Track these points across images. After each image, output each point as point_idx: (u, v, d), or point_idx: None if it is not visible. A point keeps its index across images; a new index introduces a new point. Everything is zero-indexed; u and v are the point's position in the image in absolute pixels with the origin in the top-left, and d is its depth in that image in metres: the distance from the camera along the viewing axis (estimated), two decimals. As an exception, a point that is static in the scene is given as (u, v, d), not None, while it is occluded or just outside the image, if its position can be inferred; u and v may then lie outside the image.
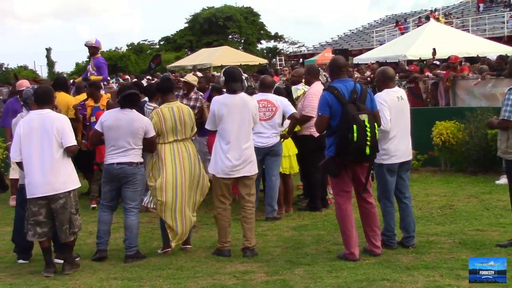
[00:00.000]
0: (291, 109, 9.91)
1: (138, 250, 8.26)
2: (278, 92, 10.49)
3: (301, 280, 7.02)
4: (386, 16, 64.64)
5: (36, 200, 7.59)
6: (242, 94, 8.37)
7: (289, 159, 10.52)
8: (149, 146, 8.37)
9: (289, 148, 10.50)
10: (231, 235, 8.47)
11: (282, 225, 9.78)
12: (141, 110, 9.27)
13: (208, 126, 8.39)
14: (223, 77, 8.40)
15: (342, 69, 7.94)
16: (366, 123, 7.44)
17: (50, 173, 7.51)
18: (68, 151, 7.64)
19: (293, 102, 10.65)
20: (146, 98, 11.00)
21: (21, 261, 8.38)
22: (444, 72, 18.50)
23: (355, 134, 7.38)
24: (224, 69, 8.72)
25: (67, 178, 7.65)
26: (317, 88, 10.37)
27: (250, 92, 9.15)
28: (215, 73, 34.84)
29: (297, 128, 10.56)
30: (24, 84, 11.74)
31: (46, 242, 7.75)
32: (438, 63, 20.94)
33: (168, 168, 8.36)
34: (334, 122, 7.64)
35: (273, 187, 10.11)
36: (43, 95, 7.85)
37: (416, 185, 12.16)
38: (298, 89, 11.13)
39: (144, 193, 8.73)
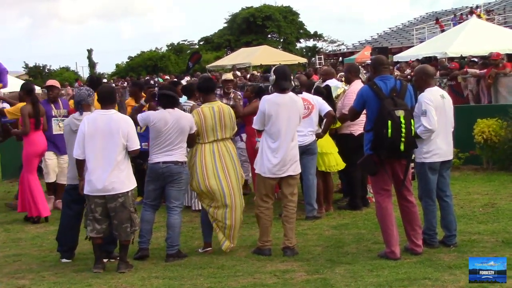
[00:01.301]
0: (327, 107, 9.88)
1: (179, 249, 8.32)
2: (318, 91, 10.48)
3: (342, 279, 7.01)
4: (427, 13, 64.07)
5: (93, 197, 7.73)
6: (291, 94, 8.38)
7: (333, 156, 10.46)
8: (191, 141, 8.45)
9: (330, 146, 10.47)
10: (271, 234, 8.48)
11: (322, 224, 9.77)
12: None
13: (255, 125, 8.38)
14: (274, 76, 8.40)
15: (384, 66, 7.97)
16: (402, 119, 7.42)
17: (111, 173, 7.63)
18: (132, 153, 7.80)
19: (333, 101, 10.63)
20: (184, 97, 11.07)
21: (64, 260, 8.48)
22: (485, 70, 18.27)
23: (389, 130, 7.37)
24: (274, 68, 8.72)
25: (126, 179, 7.76)
26: (357, 86, 10.31)
27: (297, 91, 9.14)
28: (254, 72, 34.91)
29: (337, 125, 10.53)
30: (51, 82, 12.02)
31: (100, 239, 7.86)
32: (476, 60, 20.70)
33: (210, 172, 8.41)
34: (371, 118, 7.66)
35: (311, 186, 10.10)
36: (107, 95, 7.98)
37: (458, 184, 12.04)
38: (338, 88, 11.10)
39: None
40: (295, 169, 8.33)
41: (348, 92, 10.46)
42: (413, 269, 7.18)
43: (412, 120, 7.57)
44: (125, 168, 7.76)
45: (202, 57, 49.47)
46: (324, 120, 10.09)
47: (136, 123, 8.40)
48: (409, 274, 7.00)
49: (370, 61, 8.46)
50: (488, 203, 10.60)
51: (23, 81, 47.63)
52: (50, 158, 11.62)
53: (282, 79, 8.30)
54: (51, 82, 12.29)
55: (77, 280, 7.50)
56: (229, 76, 11.97)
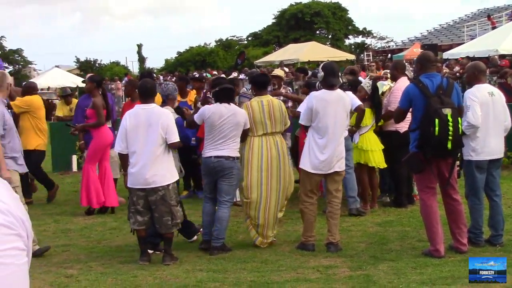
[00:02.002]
0: (357, 102, 9.80)
1: (224, 243, 8.40)
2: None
3: (385, 275, 7.01)
4: (478, 10, 63.19)
5: (135, 190, 7.87)
6: (339, 90, 8.40)
7: (378, 153, 10.44)
8: (244, 136, 8.55)
9: (377, 143, 10.45)
10: (315, 229, 8.51)
11: (366, 221, 9.77)
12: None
13: (302, 121, 8.43)
14: (322, 72, 8.42)
15: (431, 64, 7.92)
16: (449, 117, 7.37)
17: (152, 167, 7.75)
18: (171, 146, 7.88)
19: (379, 98, 10.59)
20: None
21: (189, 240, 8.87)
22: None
23: (436, 128, 7.33)
24: (322, 64, 8.76)
25: (167, 172, 7.87)
26: (403, 83, 10.29)
27: (345, 88, 9.16)
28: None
29: (381, 122, 10.51)
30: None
31: (143, 232, 8.00)
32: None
33: (254, 166, 8.50)
34: (417, 116, 7.61)
35: (350, 179, 10.08)
36: (147, 89, 8.10)
37: (506, 183, 11.90)
38: (384, 85, 11.08)
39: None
40: (341, 165, 8.36)
41: (394, 89, 10.42)
42: (457, 268, 7.15)
43: (459, 119, 7.52)
44: (166, 161, 7.86)
45: (249, 53, 49.60)
46: (356, 115, 10.04)
47: (194, 125, 8.50)
48: (452, 272, 6.98)
49: (416, 57, 8.40)
50: (537, 202, 10.46)
51: (75, 75, 48.46)
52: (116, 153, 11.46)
53: (331, 76, 8.31)
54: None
55: (123, 271, 7.64)
56: (277, 72, 12.02)
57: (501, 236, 8.13)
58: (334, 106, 8.21)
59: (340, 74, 8.78)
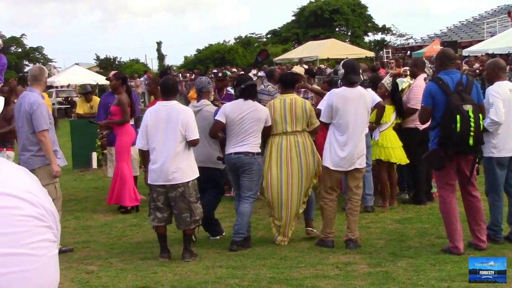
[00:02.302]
0: (377, 98, 9.78)
1: (245, 238, 8.45)
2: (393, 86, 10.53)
3: (404, 272, 7.01)
4: (498, 6, 62.76)
5: (155, 187, 7.92)
6: (359, 87, 8.41)
7: (399, 150, 10.43)
8: (267, 133, 8.63)
9: (396, 140, 10.44)
10: (335, 226, 8.53)
11: (385, 218, 9.77)
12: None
13: (323, 118, 8.44)
14: (343, 70, 8.44)
15: (451, 61, 7.91)
16: (470, 114, 7.35)
17: (172, 163, 7.79)
18: (191, 144, 7.91)
19: (399, 95, 10.59)
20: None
21: (212, 238, 9.01)
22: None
23: (458, 125, 7.31)
24: (343, 61, 8.78)
25: (187, 169, 7.91)
26: (423, 80, 10.30)
27: (366, 85, 9.18)
28: (322, 66, 34.86)
29: (400, 120, 10.51)
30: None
31: (163, 228, 8.06)
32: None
33: (273, 166, 8.56)
34: (438, 113, 7.59)
35: (368, 177, 10.07)
36: (170, 87, 8.17)
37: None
38: (403, 82, 11.06)
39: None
40: (362, 162, 8.38)
41: (414, 86, 10.41)
42: (477, 265, 7.14)
43: (480, 115, 7.50)
44: (186, 158, 7.89)
45: (270, 50, 49.61)
46: (376, 111, 10.02)
47: (218, 131, 8.61)
48: (472, 269, 6.97)
49: (435, 55, 8.38)
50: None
51: (95, 73, 48.70)
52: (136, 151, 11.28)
53: (351, 73, 8.33)
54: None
55: (143, 267, 7.69)
56: (296, 69, 12.02)
57: (521, 233, 8.11)
58: (354, 103, 8.23)
59: (361, 71, 8.77)
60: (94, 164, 15.81)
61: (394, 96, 10.45)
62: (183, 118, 7.84)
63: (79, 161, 16.01)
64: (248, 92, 8.56)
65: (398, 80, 11.20)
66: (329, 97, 8.39)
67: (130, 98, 11.00)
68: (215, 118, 8.63)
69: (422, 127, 10.11)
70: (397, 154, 10.41)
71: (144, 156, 8.15)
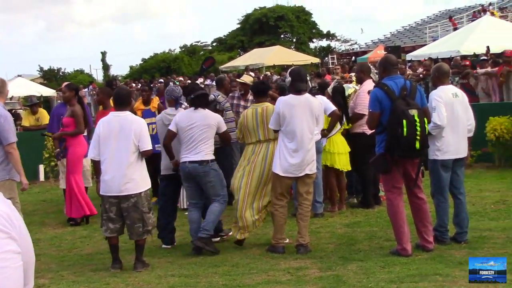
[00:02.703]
0: (331, 107, 9.93)
1: (210, 240, 8.58)
2: (337, 91, 10.62)
3: (354, 275, 7.12)
4: (439, 11, 63.91)
5: (108, 197, 7.91)
6: (307, 95, 8.51)
7: (345, 156, 10.58)
8: (225, 140, 9.01)
9: (345, 145, 10.58)
10: (285, 232, 8.62)
11: (335, 222, 9.89)
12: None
13: (271, 125, 8.51)
14: (289, 77, 8.54)
15: (394, 67, 8.06)
16: (416, 118, 7.50)
17: (124, 174, 7.79)
18: (144, 154, 7.91)
19: (346, 101, 10.72)
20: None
21: (164, 246, 9.03)
22: (496, 68, 18.30)
23: (404, 129, 7.45)
24: (290, 69, 8.92)
25: (139, 180, 7.91)
26: (369, 86, 10.46)
27: (314, 92, 9.31)
28: (268, 73, 35.01)
29: (348, 126, 10.64)
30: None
31: (115, 239, 8.06)
32: (486, 58, 20.72)
33: (240, 171, 8.74)
34: (384, 118, 7.72)
35: (318, 184, 10.20)
36: (124, 97, 8.18)
37: (470, 181, 12.12)
38: (349, 88, 11.21)
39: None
40: (312, 168, 8.46)
41: (360, 91, 10.58)
42: (424, 265, 7.29)
43: (425, 119, 7.66)
44: (138, 169, 7.89)
45: (215, 58, 49.63)
46: (330, 119, 10.14)
47: (172, 135, 8.74)
48: (420, 270, 7.11)
49: (378, 61, 8.53)
50: (500, 200, 10.68)
51: (39, 84, 48.00)
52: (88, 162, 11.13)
53: (298, 81, 8.44)
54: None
55: (95, 279, 7.66)
56: (244, 79, 12.06)
57: (466, 233, 8.29)
58: (301, 110, 8.32)
59: (308, 78, 8.89)
60: (42, 177, 15.62)
61: (338, 101, 10.52)
62: (135, 128, 7.84)
63: (26, 173, 15.72)
64: (198, 101, 8.67)
65: (345, 85, 11.35)
66: (277, 104, 8.49)
67: (83, 109, 10.92)
68: (168, 128, 8.73)
69: (369, 132, 10.27)
70: (342, 160, 10.54)
71: (96, 166, 8.13)
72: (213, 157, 8.62)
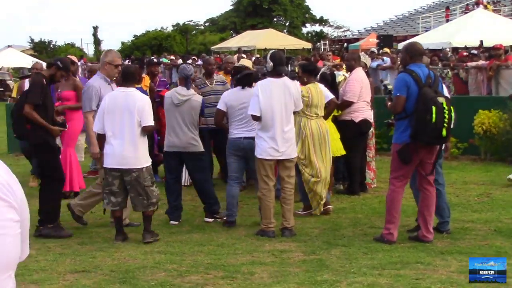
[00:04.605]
0: (330, 95, 10.02)
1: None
2: (323, 77, 10.59)
3: (337, 260, 7.24)
4: (433, 2, 63.89)
5: (110, 171, 8.06)
6: (285, 78, 8.57)
7: (334, 142, 10.62)
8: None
9: (333, 132, 10.63)
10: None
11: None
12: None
13: (252, 111, 8.50)
14: (271, 62, 8.60)
15: (420, 55, 8.09)
16: (444, 106, 7.58)
17: (127, 148, 7.96)
18: (144, 130, 8.06)
19: (337, 87, 10.78)
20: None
21: (172, 222, 9.16)
22: (487, 62, 18.40)
23: (433, 116, 7.50)
24: (270, 53, 8.96)
25: (141, 155, 8.08)
26: (359, 73, 10.58)
27: (293, 76, 9.40)
28: (258, 55, 35.03)
29: (337, 113, 10.71)
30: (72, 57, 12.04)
31: (118, 212, 8.23)
32: (476, 52, 20.82)
33: (317, 149, 9.55)
34: (409, 104, 7.72)
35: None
36: (131, 74, 8.34)
37: (455, 173, 12.26)
38: (339, 75, 11.27)
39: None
40: (291, 152, 8.53)
41: (350, 79, 10.65)
42: (406, 253, 7.41)
43: (452, 107, 7.74)
44: (140, 145, 8.06)
45: (206, 38, 49.68)
46: (327, 107, 10.20)
47: (222, 120, 9.30)
48: (402, 258, 7.23)
49: (403, 47, 8.41)
50: (484, 192, 10.81)
51: (29, 56, 47.70)
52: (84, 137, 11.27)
53: (279, 65, 8.53)
54: (72, 57, 12.52)
55: (81, 252, 7.76)
56: (245, 62, 12.09)
57: (448, 223, 8.39)
58: (279, 94, 8.41)
59: (291, 62, 8.98)
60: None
61: (331, 88, 10.57)
62: (139, 104, 8.00)
63: (14, 145, 15.79)
64: (245, 80, 9.08)
65: (335, 73, 11.40)
66: (255, 88, 8.58)
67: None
68: (217, 107, 9.19)
69: (358, 119, 10.39)
70: (334, 146, 10.59)
71: (101, 139, 8.23)
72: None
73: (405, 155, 7.83)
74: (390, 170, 8.23)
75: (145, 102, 8.12)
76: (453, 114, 7.71)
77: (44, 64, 11.42)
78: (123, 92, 8.11)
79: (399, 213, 8.02)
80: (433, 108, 7.51)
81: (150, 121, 8.06)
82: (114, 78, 9.01)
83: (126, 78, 8.27)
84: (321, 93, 9.47)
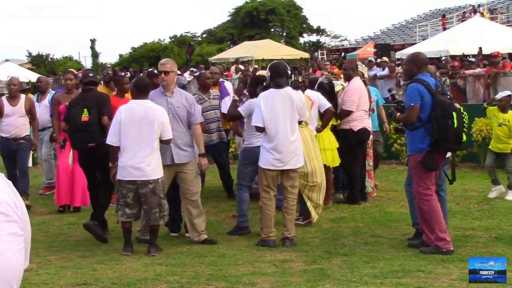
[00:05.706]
0: (327, 104, 10.04)
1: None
2: (321, 87, 10.61)
3: (338, 269, 7.22)
4: (430, 10, 64.07)
5: (125, 183, 8.08)
6: (287, 88, 8.56)
7: (331, 152, 10.65)
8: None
9: (332, 141, 10.64)
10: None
11: (321, 217, 9.93)
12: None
13: (255, 122, 8.53)
14: (269, 73, 8.61)
15: (426, 64, 8.16)
16: (462, 110, 7.63)
17: (145, 160, 7.99)
18: (164, 142, 8.15)
19: (336, 97, 10.80)
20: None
21: (172, 234, 9.21)
22: (484, 69, 18.42)
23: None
24: (270, 65, 8.95)
25: (157, 166, 8.13)
26: (357, 83, 10.59)
27: (296, 86, 9.39)
28: (256, 66, 35.08)
29: (336, 122, 10.72)
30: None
31: (130, 224, 8.27)
32: (473, 59, 20.85)
33: (318, 153, 9.67)
34: (424, 113, 7.69)
35: None
36: (145, 86, 8.37)
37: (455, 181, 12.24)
38: (336, 84, 11.29)
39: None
40: (296, 162, 8.51)
41: (348, 88, 10.66)
42: (408, 262, 7.40)
43: (466, 113, 7.75)
44: (156, 156, 8.10)
45: (203, 50, 49.71)
46: (324, 116, 10.23)
47: (238, 117, 9.45)
48: (403, 266, 7.22)
49: (408, 57, 8.36)
50: (484, 200, 10.82)
51: (27, 70, 47.73)
52: None
53: (277, 76, 8.52)
54: (72, 71, 12.64)
55: (82, 265, 7.74)
56: (262, 73, 12.11)
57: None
58: (282, 104, 8.41)
59: (289, 73, 8.85)
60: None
61: (329, 97, 10.58)
62: (159, 117, 8.05)
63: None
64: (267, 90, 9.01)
65: (333, 82, 11.42)
66: (257, 100, 8.58)
67: None
68: (239, 109, 9.24)
69: (356, 128, 10.40)
70: (329, 156, 10.59)
71: (114, 152, 8.22)
72: None
73: (430, 162, 7.76)
74: (412, 183, 8.08)
75: (164, 115, 8.16)
76: (467, 121, 7.75)
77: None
78: (140, 105, 8.13)
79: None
80: (454, 113, 7.54)
81: (170, 134, 8.14)
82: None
83: (141, 90, 8.28)
84: (307, 102, 9.37)
